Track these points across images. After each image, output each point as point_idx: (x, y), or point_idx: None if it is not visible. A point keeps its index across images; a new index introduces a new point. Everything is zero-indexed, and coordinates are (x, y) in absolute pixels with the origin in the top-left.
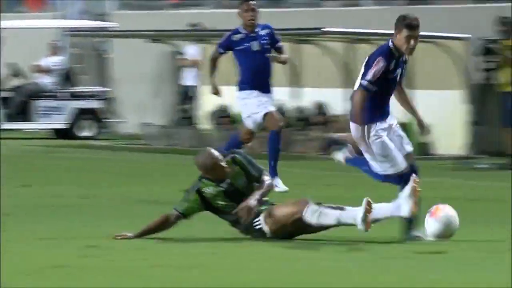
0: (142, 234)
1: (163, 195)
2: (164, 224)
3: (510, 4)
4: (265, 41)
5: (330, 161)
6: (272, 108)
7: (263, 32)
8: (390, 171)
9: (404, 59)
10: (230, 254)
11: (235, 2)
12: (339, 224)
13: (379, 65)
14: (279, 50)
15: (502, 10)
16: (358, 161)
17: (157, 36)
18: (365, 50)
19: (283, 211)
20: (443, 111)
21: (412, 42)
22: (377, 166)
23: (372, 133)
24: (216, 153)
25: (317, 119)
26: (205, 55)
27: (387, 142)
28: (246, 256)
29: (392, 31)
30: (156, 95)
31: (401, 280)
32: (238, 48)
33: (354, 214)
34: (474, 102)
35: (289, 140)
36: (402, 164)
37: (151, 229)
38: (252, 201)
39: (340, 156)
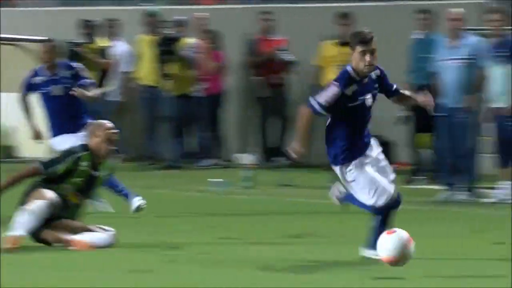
0: (8, 185)
1: None
2: (31, 176)
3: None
4: (67, 84)
5: None
6: None
7: (66, 73)
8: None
9: (372, 79)
10: None
11: None
12: None
13: (330, 89)
14: (85, 87)
15: (85, 13)
16: (348, 196)
17: None
18: None
19: None
20: None
21: (367, 57)
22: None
23: (346, 173)
24: (109, 126)
25: None
26: None
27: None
28: None
29: None
30: None
31: None
32: (39, 91)
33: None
34: None
35: None
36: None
37: (16, 179)
38: None
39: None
